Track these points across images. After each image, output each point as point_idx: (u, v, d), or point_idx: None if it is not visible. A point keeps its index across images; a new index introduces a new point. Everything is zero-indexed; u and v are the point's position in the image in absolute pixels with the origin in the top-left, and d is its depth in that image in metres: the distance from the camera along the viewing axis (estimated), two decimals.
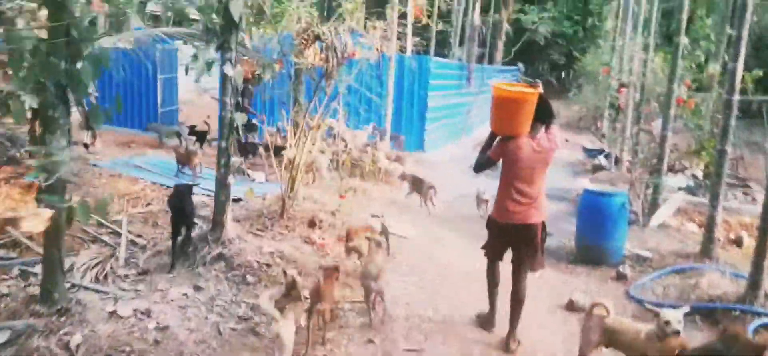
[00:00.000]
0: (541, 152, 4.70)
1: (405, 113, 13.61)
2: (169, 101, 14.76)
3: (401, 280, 6.05)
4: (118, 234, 6.75)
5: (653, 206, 9.12)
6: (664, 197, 9.29)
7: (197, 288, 5.08)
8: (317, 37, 6.25)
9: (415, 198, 9.44)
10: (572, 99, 24.70)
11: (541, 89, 4.71)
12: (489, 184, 7.31)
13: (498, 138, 4.82)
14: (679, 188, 10.60)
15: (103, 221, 5.85)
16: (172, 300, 4.83)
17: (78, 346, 4.02)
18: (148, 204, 8.41)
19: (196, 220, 5.91)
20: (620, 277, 6.94)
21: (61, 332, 4.12)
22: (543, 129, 4.74)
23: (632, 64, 12.53)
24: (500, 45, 25.51)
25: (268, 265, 5.66)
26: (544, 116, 4.73)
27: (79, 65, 3.83)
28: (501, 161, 4.77)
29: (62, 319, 4.27)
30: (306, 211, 7.90)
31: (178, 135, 11.93)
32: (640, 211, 9.05)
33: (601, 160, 13.89)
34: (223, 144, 5.54)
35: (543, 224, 4.89)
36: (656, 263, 7.28)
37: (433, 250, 7.48)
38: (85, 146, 9.23)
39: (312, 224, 7.46)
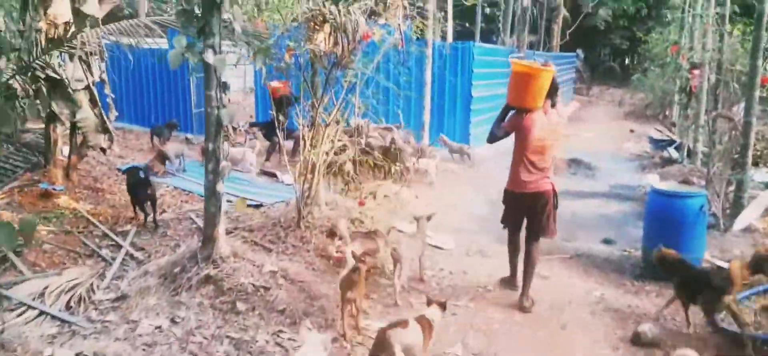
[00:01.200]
0: (552, 126, 5.11)
1: (448, 105, 12.50)
2: (201, 102, 14.21)
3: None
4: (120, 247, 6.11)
5: (736, 206, 7.71)
6: (750, 195, 7.85)
7: (174, 321, 4.25)
8: (325, 20, 5.32)
9: (455, 200, 8.39)
10: (636, 85, 22.85)
11: (554, 70, 5.10)
12: None
13: (511, 112, 5.23)
14: (767, 186, 9.06)
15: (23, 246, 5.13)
16: (139, 336, 4.02)
17: None
18: (163, 211, 7.75)
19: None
20: None
21: None
22: (549, 104, 5.10)
23: (706, 40, 10.98)
24: (556, 29, 23.82)
25: (266, 288, 4.78)
26: (551, 92, 5.08)
27: None
28: (514, 134, 5.17)
29: None
30: (330, 218, 7.03)
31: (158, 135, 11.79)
32: (719, 212, 7.67)
33: (671, 152, 12.37)
34: (211, 146, 4.69)
35: (554, 190, 5.23)
36: None
37: (471, 264, 6.43)
38: (102, 150, 8.66)
39: (331, 234, 6.54)
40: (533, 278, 5.34)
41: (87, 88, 8.60)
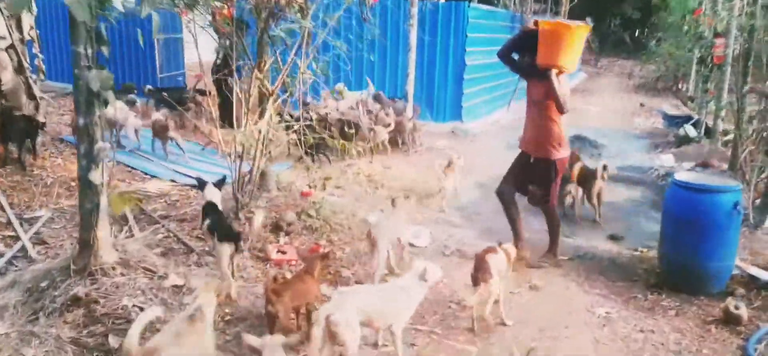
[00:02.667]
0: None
1: (438, 74, 11.14)
2: (172, 65, 12.93)
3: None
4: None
5: None
6: None
7: None
8: None
9: (435, 186, 7.15)
10: (649, 56, 21.37)
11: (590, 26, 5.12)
12: None
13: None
14: None
15: None
16: None
17: None
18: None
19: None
20: (731, 319, 4.46)
21: None
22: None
23: (732, 2, 9.57)
24: None
25: None
26: None
27: None
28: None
29: None
30: (278, 207, 5.83)
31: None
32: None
33: (688, 129, 11.01)
34: (81, 121, 3.45)
35: None
36: None
37: (446, 267, 5.21)
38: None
39: (278, 228, 5.36)
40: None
41: (12, 47, 7.42)
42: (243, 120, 4.85)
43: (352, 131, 7.93)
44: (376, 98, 9.54)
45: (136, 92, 11.54)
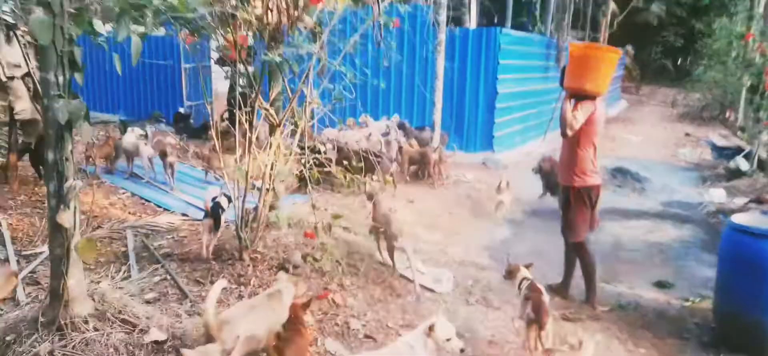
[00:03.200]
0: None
1: (468, 102, 10.62)
2: (199, 93, 12.78)
3: None
4: None
5: None
6: None
7: None
8: None
9: (461, 225, 6.62)
10: (693, 84, 20.43)
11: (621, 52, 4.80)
12: None
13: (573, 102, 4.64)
14: None
15: None
16: None
17: None
18: (98, 226, 6.25)
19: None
20: None
21: None
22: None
23: None
24: (604, 22, 21.50)
25: None
26: None
27: None
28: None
29: None
30: (285, 247, 5.38)
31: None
32: None
33: (739, 161, 10.21)
34: (51, 157, 3.07)
35: None
36: None
37: (470, 317, 4.66)
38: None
39: (282, 269, 4.90)
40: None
41: (27, 75, 7.26)
42: (245, 152, 4.44)
43: (377, 160, 7.48)
44: (401, 127, 9.11)
45: (163, 120, 11.45)
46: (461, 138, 10.54)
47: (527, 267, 4.26)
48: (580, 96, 4.59)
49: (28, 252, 5.41)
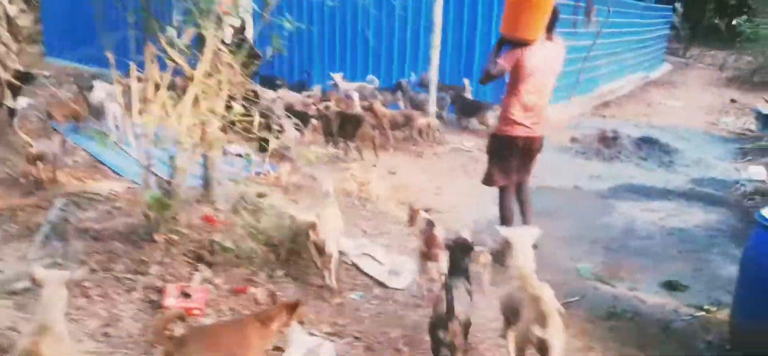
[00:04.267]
0: (553, 59, 4.52)
1: (477, 57, 9.50)
2: None
3: None
4: None
5: None
6: None
7: None
8: None
9: (446, 202, 5.71)
10: (742, 46, 18.63)
11: None
12: None
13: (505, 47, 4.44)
14: None
15: None
16: None
17: None
18: (30, 192, 5.59)
19: None
20: None
21: None
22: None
23: None
24: None
25: None
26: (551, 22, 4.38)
27: None
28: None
29: None
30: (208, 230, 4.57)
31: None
32: None
33: None
34: None
35: None
36: None
37: (424, 324, 3.78)
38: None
39: (199, 258, 4.12)
40: None
41: None
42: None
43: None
44: (398, 87, 8.16)
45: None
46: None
47: (427, 210, 4.25)
48: (514, 43, 4.36)
49: None
